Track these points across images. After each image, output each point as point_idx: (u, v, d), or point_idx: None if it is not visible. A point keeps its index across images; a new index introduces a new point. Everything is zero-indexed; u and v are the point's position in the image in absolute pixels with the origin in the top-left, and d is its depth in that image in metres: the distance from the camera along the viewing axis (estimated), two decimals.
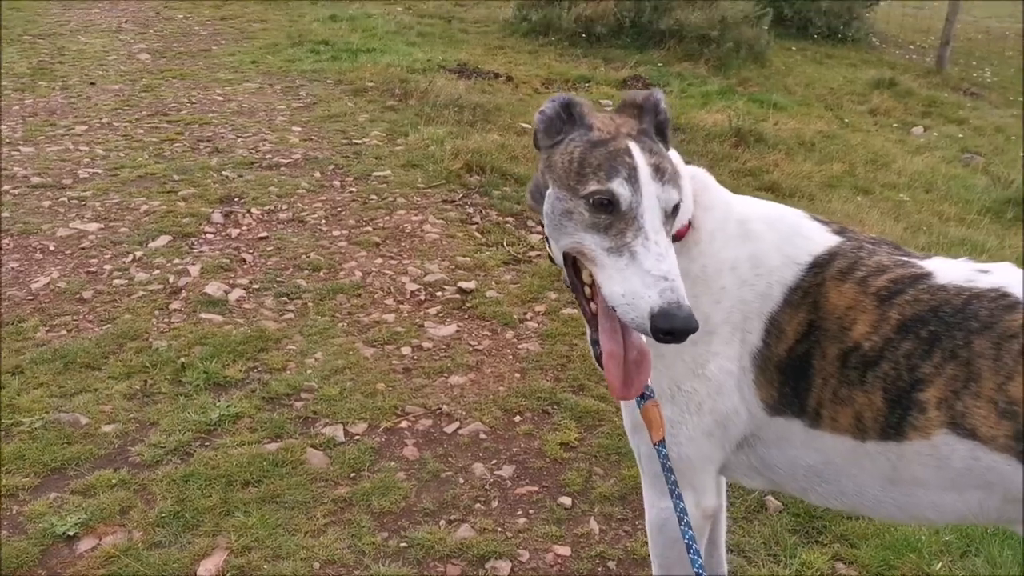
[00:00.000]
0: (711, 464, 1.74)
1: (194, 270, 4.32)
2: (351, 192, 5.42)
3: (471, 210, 5.22)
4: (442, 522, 2.75)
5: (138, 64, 9.30)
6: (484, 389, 3.46)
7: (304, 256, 4.51)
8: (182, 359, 3.55)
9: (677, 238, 1.63)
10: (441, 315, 4.02)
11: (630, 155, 1.47)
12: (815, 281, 1.62)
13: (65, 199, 5.23)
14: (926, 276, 1.57)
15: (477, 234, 4.87)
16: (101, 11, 12.93)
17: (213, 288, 4.14)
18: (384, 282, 4.29)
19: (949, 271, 1.58)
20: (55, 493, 2.81)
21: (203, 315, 3.92)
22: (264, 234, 4.78)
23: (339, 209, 5.16)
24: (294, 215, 5.03)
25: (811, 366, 1.60)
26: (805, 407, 1.62)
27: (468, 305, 4.12)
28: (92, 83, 8.41)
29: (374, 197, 5.34)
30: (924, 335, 1.51)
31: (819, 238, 1.68)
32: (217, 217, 4.98)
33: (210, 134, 6.65)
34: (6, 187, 5.42)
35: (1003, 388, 1.43)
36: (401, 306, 4.08)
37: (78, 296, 4.06)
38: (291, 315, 3.97)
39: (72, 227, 4.83)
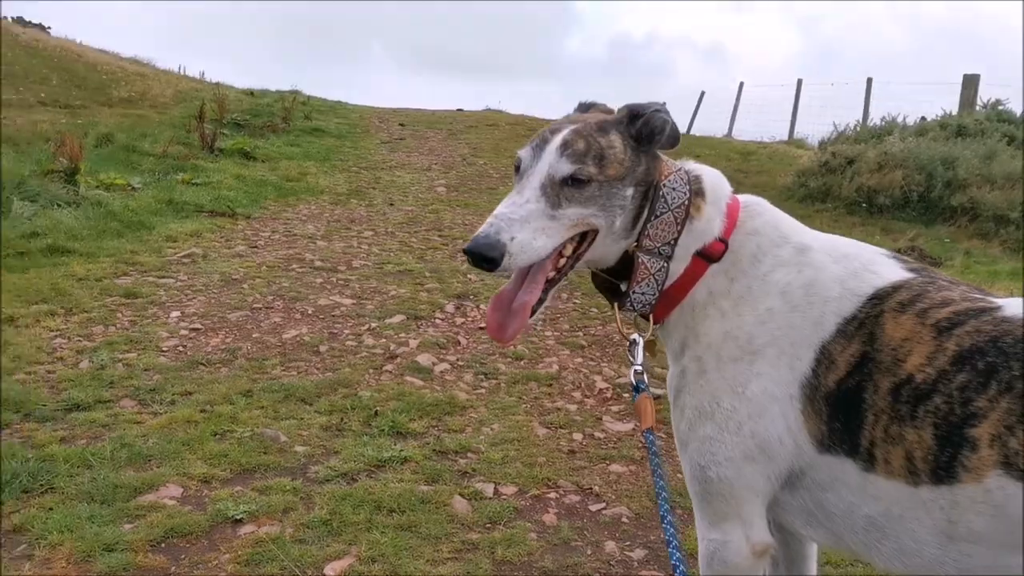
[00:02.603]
0: (755, 495, 1.66)
1: (413, 343, 4.79)
2: (574, 303, 5.71)
3: None
4: None
5: (434, 194, 10.53)
6: (641, 481, 3.45)
7: (512, 347, 4.82)
8: (377, 408, 3.93)
9: (711, 257, 1.71)
10: (622, 413, 4.08)
11: (553, 133, 1.69)
12: (872, 312, 1.56)
13: (334, 279, 6.06)
14: (992, 309, 1.47)
15: None
16: (419, 154, 14.87)
17: (424, 358, 4.55)
18: (577, 378, 4.45)
19: (1020, 306, 1.46)
20: (239, 487, 3.22)
21: (408, 378, 4.32)
22: (483, 325, 5.17)
23: (558, 316, 5.45)
24: None
25: (863, 400, 1.52)
26: (857, 446, 1.53)
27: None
28: (391, 203, 9.69)
29: (594, 310, 5.58)
30: (981, 367, 1.39)
31: (888, 273, 1.62)
32: (449, 308, 5.49)
33: None
34: (295, 266, 6.39)
35: None
36: (587, 399, 4.21)
37: (315, 349, 4.66)
38: (483, 391, 4.25)
39: (331, 299, 5.57)
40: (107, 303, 5.22)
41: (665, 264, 1.72)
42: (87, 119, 14.07)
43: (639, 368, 1.84)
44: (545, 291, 1.70)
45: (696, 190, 1.76)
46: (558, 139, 1.68)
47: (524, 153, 1.71)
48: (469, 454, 3.59)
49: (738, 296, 1.68)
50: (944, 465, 1.42)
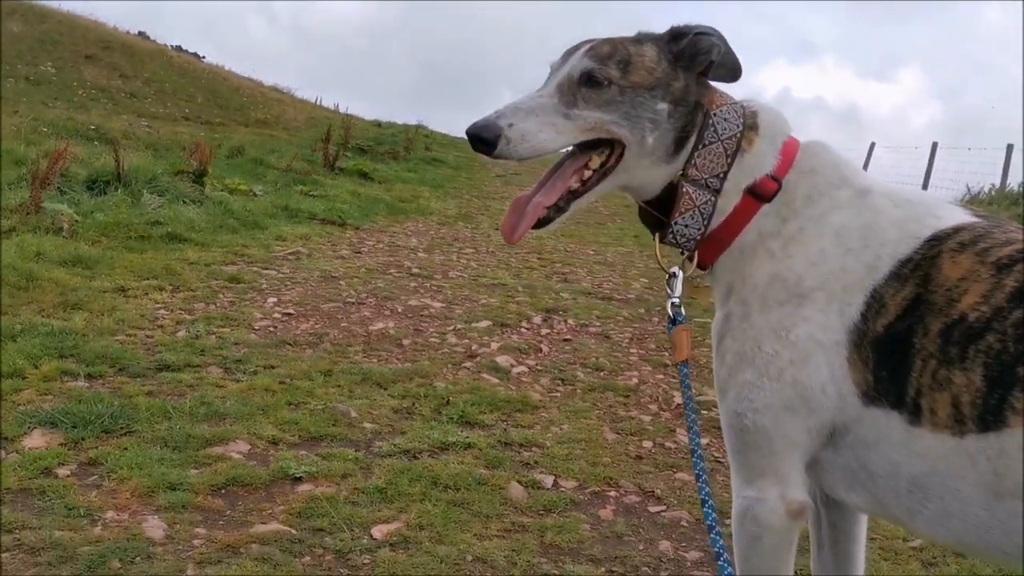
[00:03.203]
0: (794, 449, 1.55)
1: (495, 345, 4.80)
2: (663, 326, 5.60)
3: None
4: (602, 570, 2.68)
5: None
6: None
7: (594, 359, 4.76)
8: (450, 398, 3.95)
9: (762, 195, 1.63)
10: (699, 428, 3.95)
11: (586, 42, 1.68)
12: (930, 254, 1.46)
13: (428, 285, 6.17)
14: None
15: None
16: (532, 187, 15.02)
17: (503, 360, 4.55)
18: (656, 392, 4.35)
19: None
20: (304, 451, 3.29)
21: (484, 375, 4.33)
22: (568, 337, 5.15)
23: (645, 336, 5.36)
24: (602, 331, 5.35)
25: (911, 345, 1.41)
26: (904, 397, 1.42)
27: None
28: (497, 228, 9.82)
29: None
30: None
31: (951, 217, 1.52)
32: (537, 320, 5.48)
33: (567, 271, 7.37)
34: (392, 271, 6.55)
35: None
36: (662, 412, 4.10)
37: (399, 342, 4.74)
38: (558, 394, 4.20)
39: (422, 301, 5.66)
40: (212, 285, 5.47)
41: (712, 198, 1.65)
42: (224, 134, 14.94)
43: (676, 300, 1.78)
44: (566, 201, 1.66)
45: (751, 124, 1.69)
46: (585, 48, 1.66)
47: (555, 60, 1.70)
48: (534, 448, 3.55)
49: (789, 237, 1.60)
50: (993, 409, 1.31)
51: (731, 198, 1.67)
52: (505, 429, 3.71)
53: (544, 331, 5.28)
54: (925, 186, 19.59)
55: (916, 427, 1.42)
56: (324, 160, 12.66)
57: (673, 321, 1.79)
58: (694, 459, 1.58)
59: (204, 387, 3.78)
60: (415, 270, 6.65)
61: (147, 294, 5.09)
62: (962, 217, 1.53)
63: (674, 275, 1.78)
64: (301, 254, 6.75)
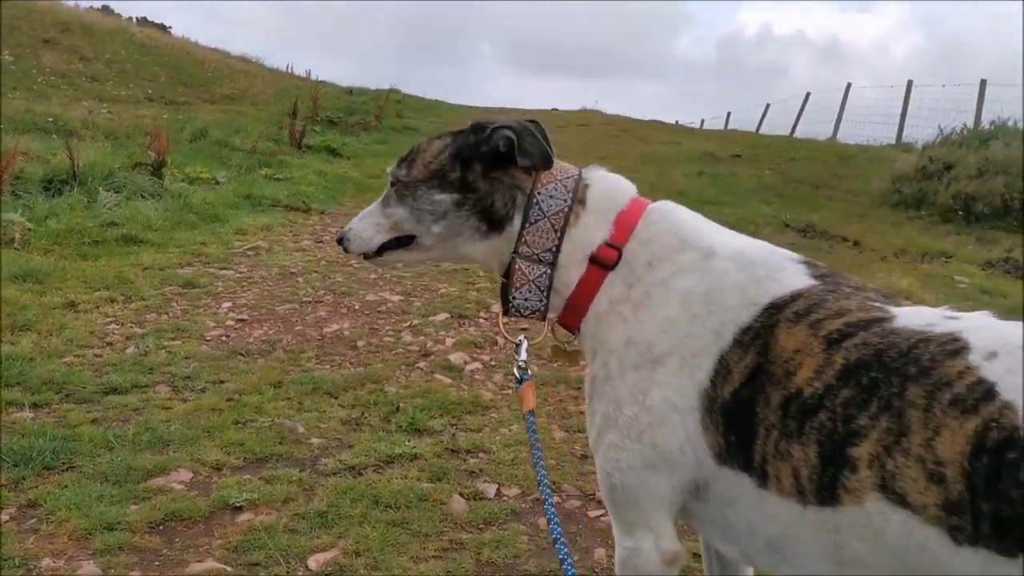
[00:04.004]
0: (660, 504, 1.61)
1: (450, 341, 4.80)
2: None
3: None
4: None
5: None
6: None
7: (548, 349, 4.76)
8: (400, 404, 3.95)
9: (604, 264, 1.71)
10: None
11: None
12: (768, 322, 1.49)
13: (388, 276, 6.14)
14: (885, 320, 1.38)
15: None
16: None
17: (456, 357, 4.55)
18: None
19: (914, 316, 1.38)
20: (247, 475, 3.29)
21: (437, 375, 4.33)
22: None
23: None
24: None
25: (755, 413, 1.44)
26: (752, 461, 1.45)
27: None
28: None
29: None
30: (865, 382, 1.31)
31: (790, 281, 1.54)
32: (496, 307, 5.47)
33: None
34: (353, 261, 6.50)
35: (931, 444, 1.19)
36: None
37: (353, 344, 4.73)
38: (509, 391, 4.21)
39: (380, 295, 5.64)
40: (165, 292, 5.43)
41: (547, 270, 1.75)
42: (189, 114, 14.72)
43: (522, 363, 1.95)
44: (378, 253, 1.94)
45: (580, 198, 1.77)
46: None
47: None
48: (480, 454, 3.57)
49: (637, 302, 1.65)
50: (827, 485, 1.34)
51: (573, 269, 1.76)
52: (453, 434, 3.72)
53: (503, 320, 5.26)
54: (901, 126, 19.51)
55: (765, 491, 1.46)
56: (290, 138, 12.51)
57: (520, 380, 1.96)
58: (546, 506, 1.65)
59: (150, 410, 3.78)
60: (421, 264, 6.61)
61: (98, 307, 5.05)
62: (801, 281, 1.54)
63: (519, 344, 1.98)
64: (260, 249, 6.70)
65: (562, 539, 1.67)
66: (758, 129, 26.77)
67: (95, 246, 6.29)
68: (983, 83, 16.75)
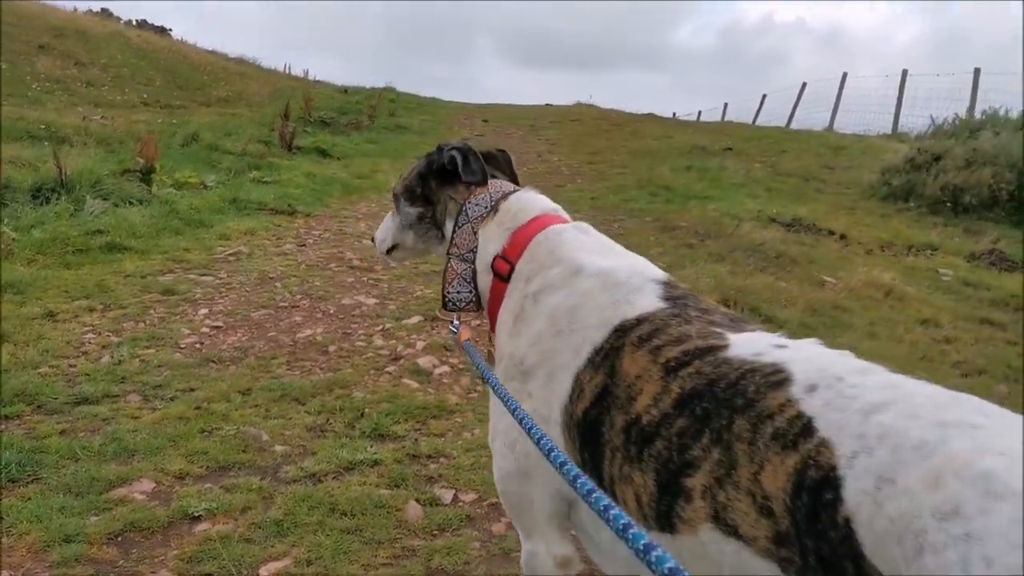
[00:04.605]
0: (542, 511, 1.69)
1: (420, 345, 4.85)
2: None
3: None
4: None
5: None
6: None
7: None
8: (365, 409, 4.01)
9: (499, 275, 1.87)
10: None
11: None
12: (616, 344, 1.54)
13: (366, 279, 6.20)
14: (719, 348, 1.40)
15: None
16: None
17: (425, 361, 4.60)
18: None
19: (746, 344, 1.39)
20: (209, 484, 3.35)
21: (405, 380, 4.39)
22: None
23: None
24: None
25: (602, 434, 1.49)
26: (602, 481, 1.49)
27: None
28: None
29: None
30: (698, 412, 1.33)
31: (642, 304, 1.59)
32: None
33: None
34: (332, 265, 6.57)
35: (757, 478, 1.20)
36: None
37: (324, 349, 4.79)
38: (475, 395, 4.27)
39: (355, 299, 5.70)
40: (144, 299, 5.50)
41: (470, 266, 1.96)
42: (183, 118, 14.78)
43: (454, 325, 2.17)
44: (388, 251, 2.29)
45: (495, 207, 1.94)
46: None
47: None
48: (441, 459, 3.62)
49: (516, 315, 1.76)
50: (664, 513, 1.36)
51: (483, 275, 1.94)
52: (416, 440, 3.78)
53: (475, 323, 5.31)
54: (897, 115, 19.46)
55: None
56: (281, 140, 12.57)
57: (455, 331, 2.17)
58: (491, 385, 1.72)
59: (119, 419, 3.84)
60: (355, 262, 6.68)
61: (77, 316, 5.12)
62: (650, 304, 1.59)
63: (452, 323, 2.19)
64: (242, 254, 6.76)
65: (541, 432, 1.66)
66: (754, 120, 26.71)
67: (79, 255, 6.36)
68: (977, 72, 16.70)
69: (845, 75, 22.80)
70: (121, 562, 2.85)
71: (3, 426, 3.76)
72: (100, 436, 3.66)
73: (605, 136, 17.26)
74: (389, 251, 2.29)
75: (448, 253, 2.01)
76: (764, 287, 6.22)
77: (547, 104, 24.22)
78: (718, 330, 1.47)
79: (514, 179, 2.21)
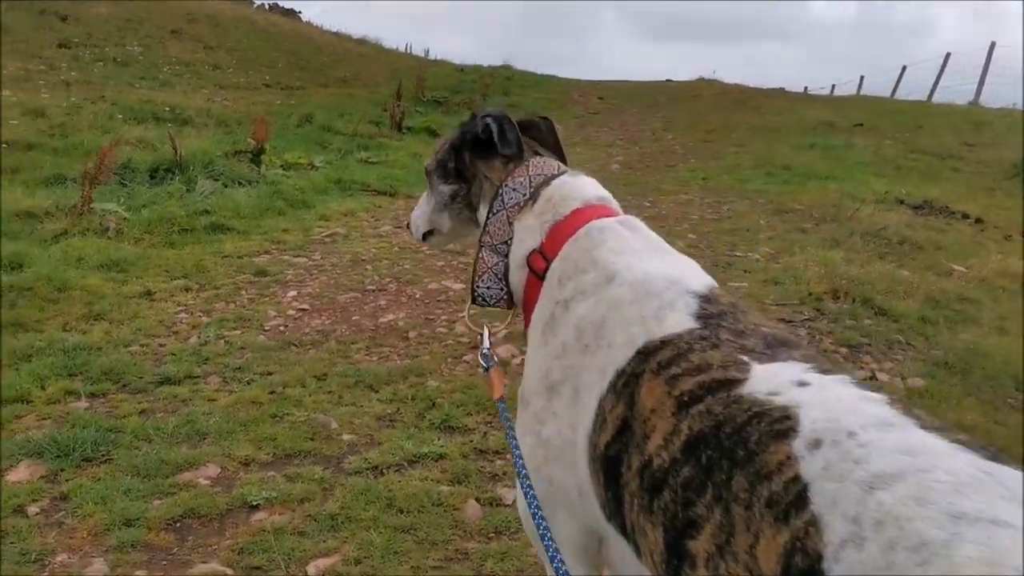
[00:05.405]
0: (564, 543, 1.47)
1: (501, 333, 4.69)
2: None
3: (803, 331, 4.78)
4: None
5: (606, 172, 10.31)
6: None
7: None
8: (438, 399, 3.90)
9: (536, 272, 1.64)
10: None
11: None
12: (637, 370, 1.31)
13: (456, 263, 6.10)
14: (735, 383, 1.16)
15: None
16: (608, 129, 14.64)
17: (503, 350, 4.45)
18: None
19: (766, 379, 1.14)
20: (272, 472, 3.32)
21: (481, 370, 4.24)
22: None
23: None
24: None
25: (621, 475, 1.27)
26: (625, 528, 1.28)
27: None
28: None
29: None
30: (704, 461, 1.11)
31: (671, 322, 1.34)
32: None
33: None
34: (424, 248, 6.49)
35: (753, 552, 0.97)
36: None
37: (404, 335, 4.71)
38: None
39: (443, 284, 5.61)
40: (237, 280, 5.58)
41: (503, 260, 1.72)
42: (301, 99, 15.13)
43: (486, 350, 1.84)
44: (424, 236, 2.07)
45: (534, 195, 1.70)
46: None
47: None
48: (508, 455, 3.46)
49: (546, 321, 1.54)
50: None
51: (518, 270, 1.71)
52: (485, 434, 3.64)
53: (503, 331, 5.13)
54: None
55: (642, 563, 1.29)
56: (391, 121, 12.66)
57: (485, 368, 1.83)
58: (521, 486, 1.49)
59: (196, 401, 3.87)
60: (449, 245, 6.58)
61: (172, 296, 5.24)
62: (679, 323, 1.34)
63: (482, 334, 1.91)
64: (338, 236, 6.79)
65: (544, 524, 1.50)
66: (893, 93, 25.20)
67: (183, 234, 6.54)
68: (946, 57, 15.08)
69: (993, 44, 21.15)
70: (175, 549, 2.85)
71: (88, 404, 3.85)
72: (176, 417, 3.70)
73: (724, 113, 16.61)
74: (425, 236, 2.06)
75: (480, 242, 1.78)
76: (881, 276, 5.74)
77: (667, 80, 23.55)
78: (744, 358, 1.22)
79: (559, 152, 1.96)
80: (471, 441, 3.57)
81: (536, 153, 1.86)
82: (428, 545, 2.86)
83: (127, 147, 8.75)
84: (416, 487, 3.19)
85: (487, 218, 1.75)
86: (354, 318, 4.96)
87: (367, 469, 3.33)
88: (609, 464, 1.30)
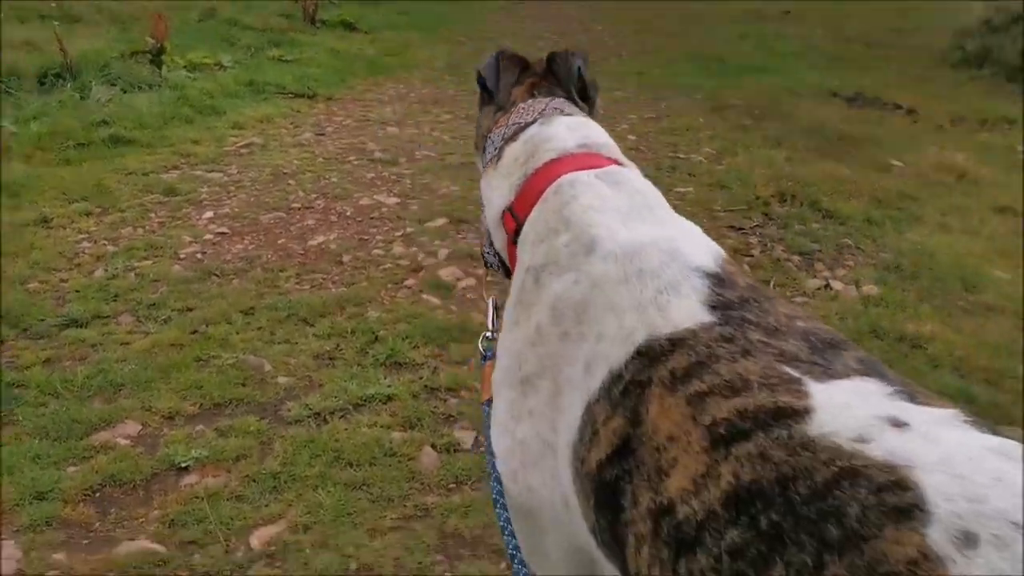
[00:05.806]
0: (546, 559, 1.26)
1: (443, 253, 4.38)
2: None
3: (754, 240, 4.60)
4: (503, 565, 2.40)
5: None
6: None
7: None
8: (380, 331, 3.60)
9: (509, 233, 1.40)
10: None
11: None
12: (640, 377, 1.02)
13: (387, 174, 5.69)
14: (797, 415, 0.87)
15: (746, 268, 4.26)
16: (535, 21, 14.03)
17: (447, 272, 4.15)
18: None
19: (841, 412, 0.85)
20: (201, 426, 2.99)
21: (425, 296, 3.95)
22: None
23: None
24: None
25: (623, 509, 0.99)
26: (627, 570, 1.00)
27: None
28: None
29: None
30: (763, 526, 0.81)
31: (678, 314, 1.05)
32: None
33: None
34: (352, 158, 6.06)
35: None
36: None
37: (338, 259, 4.35)
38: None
39: (375, 199, 5.21)
40: (145, 201, 5.07)
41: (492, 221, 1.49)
42: None
43: (489, 334, 1.58)
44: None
45: (499, 152, 1.45)
46: None
47: None
48: (462, 392, 3.22)
49: (517, 295, 1.27)
50: None
51: (497, 233, 1.48)
52: (435, 369, 3.37)
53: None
54: None
55: None
56: (304, 13, 11.80)
57: (484, 358, 1.58)
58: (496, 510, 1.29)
59: (108, 346, 3.48)
60: (378, 153, 6.14)
61: (72, 222, 4.72)
62: (691, 315, 1.05)
63: (487, 311, 1.67)
64: (255, 146, 6.26)
65: (509, 528, 1.29)
66: None
67: (80, 149, 5.91)
68: None
69: None
70: (96, 525, 2.53)
71: None
72: (85, 366, 3.31)
73: (655, 1, 16.09)
74: None
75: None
76: (825, 176, 5.59)
77: None
78: (793, 372, 0.93)
79: (583, 95, 1.62)
80: (421, 378, 3.29)
81: (532, 95, 1.55)
82: (384, 502, 2.62)
83: (9, 50, 7.88)
84: (365, 435, 2.92)
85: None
86: (280, 241, 4.55)
87: (308, 417, 3.04)
88: (604, 488, 1.02)
